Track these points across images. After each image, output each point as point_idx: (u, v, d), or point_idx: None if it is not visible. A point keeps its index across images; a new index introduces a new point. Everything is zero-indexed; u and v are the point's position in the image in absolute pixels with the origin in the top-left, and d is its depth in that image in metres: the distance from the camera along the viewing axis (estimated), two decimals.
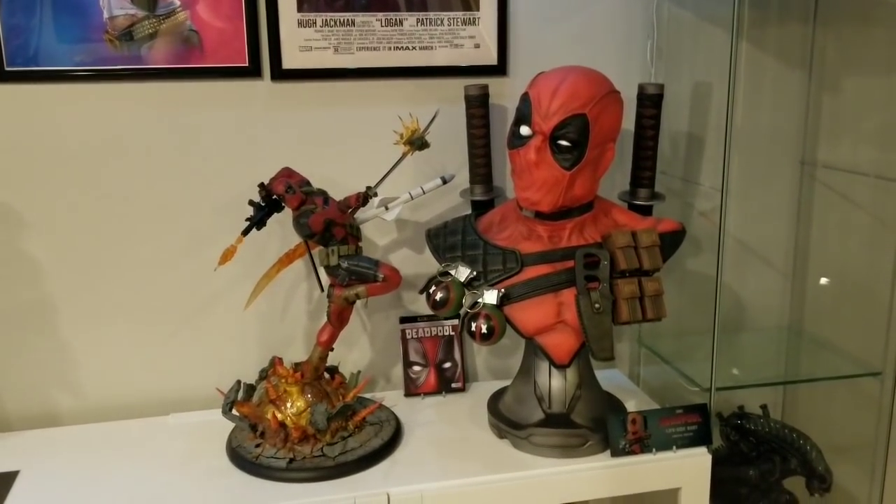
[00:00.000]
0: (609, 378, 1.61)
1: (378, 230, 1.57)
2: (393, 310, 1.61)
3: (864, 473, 1.56)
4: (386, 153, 1.38)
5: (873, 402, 1.52)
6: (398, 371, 1.60)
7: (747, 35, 1.60)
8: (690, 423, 1.35)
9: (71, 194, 1.45)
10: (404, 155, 1.35)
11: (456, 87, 1.49)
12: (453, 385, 1.59)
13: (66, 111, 1.42)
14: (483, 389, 1.56)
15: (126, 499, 1.23)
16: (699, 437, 1.35)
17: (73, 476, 1.30)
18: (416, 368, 1.58)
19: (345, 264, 1.34)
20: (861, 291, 1.58)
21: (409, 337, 1.58)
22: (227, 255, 1.33)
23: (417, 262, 1.59)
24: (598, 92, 1.27)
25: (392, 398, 1.55)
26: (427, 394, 1.58)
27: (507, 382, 1.48)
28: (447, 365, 1.59)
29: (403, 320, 1.59)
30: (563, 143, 1.27)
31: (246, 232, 1.34)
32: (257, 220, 1.35)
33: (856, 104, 1.58)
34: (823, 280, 1.66)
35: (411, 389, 1.58)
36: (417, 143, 1.34)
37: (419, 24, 1.51)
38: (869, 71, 1.55)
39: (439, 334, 1.59)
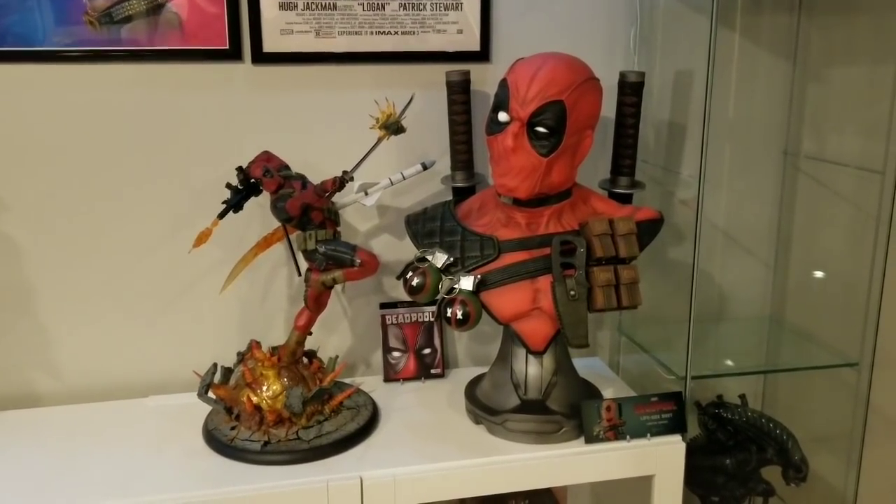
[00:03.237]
0: (589, 366, 1.62)
1: (359, 215, 1.57)
2: (373, 295, 1.62)
3: (840, 462, 1.57)
4: (366, 138, 1.37)
5: (850, 392, 1.53)
6: (378, 356, 1.60)
7: (731, 24, 1.60)
8: (665, 411, 1.35)
9: (50, 176, 1.44)
10: (380, 140, 1.35)
11: (438, 73, 1.49)
12: (433, 371, 1.59)
13: (46, 93, 1.41)
14: (462, 376, 1.56)
15: (102, 480, 1.24)
16: (674, 425, 1.36)
17: (49, 457, 1.31)
18: (396, 354, 1.58)
19: (322, 249, 1.34)
20: (841, 282, 1.59)
21: (389, 322, 1.58)
22: (201, 238, 1.33)
23: (398, 248, 1.59)
24: (576, 79, 1.27)
25: (371, 383, 1.56)
26: (406, 379, 1.58)
27: (487, 369, 1.49)
28: (427, 351, 1.59)
29: (384, 306, 1.59)
30: (541, 129, 1.26)
31: (222, 215, 1.34)
32: (234, 204, 1.35)
33: (839, 94, 1.57)
34: (818, 273, 1.66)
35: (391, 375, 1.58)
36: (393, 127, 1.33)
37: (402, 8, 1.50)
38: (853, 61, 1.54)
39: (419, 320, 1.59)
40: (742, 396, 1.52)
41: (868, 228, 1.49)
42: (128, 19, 1.40)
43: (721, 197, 1.68)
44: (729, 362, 1.60)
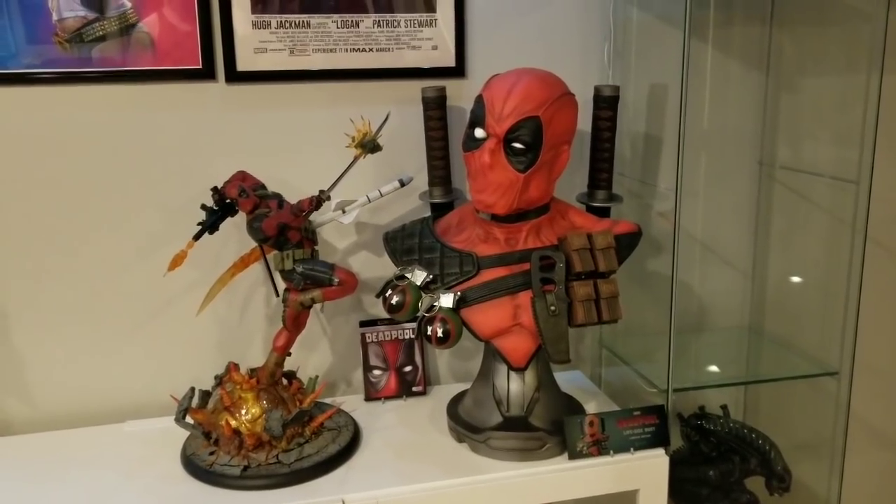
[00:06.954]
0: (570, 380, 1.61)
1: (337, 233, 1.56)
2: (353, 313, 1.60)
3: (823, 471, 1.57)
4: (343, 156, 1.36)
5: (831, 401, 1.53)
6: (359, 375, 1.59)
7: (704, 36, 1.61)
8: (648, 425, 1.35)
9: (22, 198, 1.42)
10: (356, 158, 1.34)
11: (414, 89, 1.48)
12: (414, 389, 1.58)
13: (16, 114, 1.39)
14: (444, 393, 1.55)
15: None
16: (657, 439, 1.35)
17: (23, 486, 1.28)
18: (377, 372, 1.57)
19: (300, 268, 1.33)
20: (819, 291, 1.60)
21: (369, 341, 1.57)
22: (176, 261, 1.31)
23: (377, 266, 1.58)
24: (552, 94, 1.27)
25: (352, 402, 1.54)
26: (388, 398, 1.56)
27: (469, 385, 1.47)
28: (408, 368, 1.58)
29: (363, 324, 1.58)
30: (517, 145, 1.26)
31: (197, 236, 1.33)
32: (209, 225, 1.33)
33: (812, 105, 1.59)
34: (796, 282, 1.66)
35: (371, 393, 1.56)
36: (369, 145, 1.33)
37: (376, 25, 1.49)
38: (825, 71, 1.56)
39: (400, 338, 1.58)
40: (724, 407, 1.52)
41: (844, 237, 1.50)
42: (98, 40, 1.39)
43: (698, 208, 1.69)
44: (710, 372, 1.60)
